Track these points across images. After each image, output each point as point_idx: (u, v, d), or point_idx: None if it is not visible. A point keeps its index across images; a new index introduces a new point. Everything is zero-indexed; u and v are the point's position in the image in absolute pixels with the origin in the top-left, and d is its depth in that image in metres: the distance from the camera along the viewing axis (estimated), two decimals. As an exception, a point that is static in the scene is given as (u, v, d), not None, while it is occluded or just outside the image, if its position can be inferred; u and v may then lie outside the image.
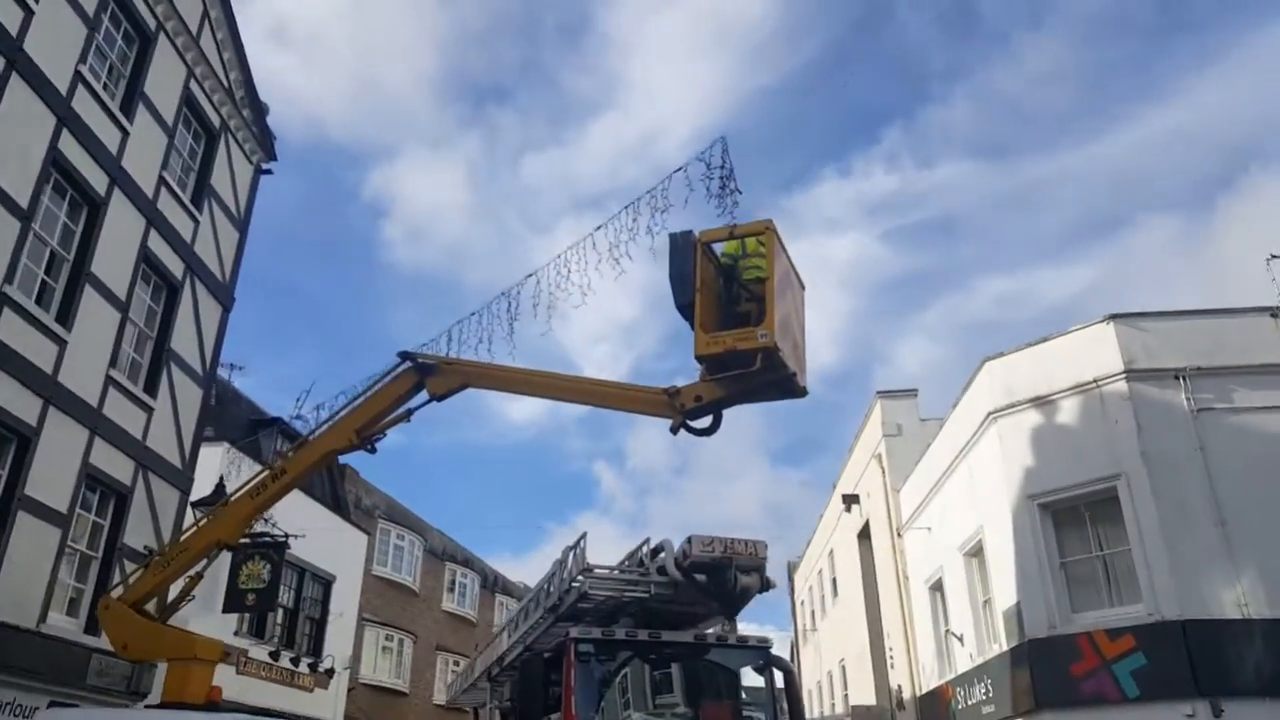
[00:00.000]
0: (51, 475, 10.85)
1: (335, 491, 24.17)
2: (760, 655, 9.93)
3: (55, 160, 10.99)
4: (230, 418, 19.94)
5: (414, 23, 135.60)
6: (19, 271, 10.54)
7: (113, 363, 12.11)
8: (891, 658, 21.29)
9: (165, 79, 13.40)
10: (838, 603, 28.85)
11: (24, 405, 10.44)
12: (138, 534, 12.45)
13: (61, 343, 11.08)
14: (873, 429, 23.70)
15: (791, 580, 40.50)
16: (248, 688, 17.92)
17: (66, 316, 11.21)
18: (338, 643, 22.01)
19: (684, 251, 8.78)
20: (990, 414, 15.02)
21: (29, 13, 10.43)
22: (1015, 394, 14.76)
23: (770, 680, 9.81)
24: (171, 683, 9.61)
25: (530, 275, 10.31)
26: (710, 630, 10.48)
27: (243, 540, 17.68)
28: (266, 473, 10.60)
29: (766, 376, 8.67)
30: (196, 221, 14.26)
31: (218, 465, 17.61)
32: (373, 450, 10.76)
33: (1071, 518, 13.64)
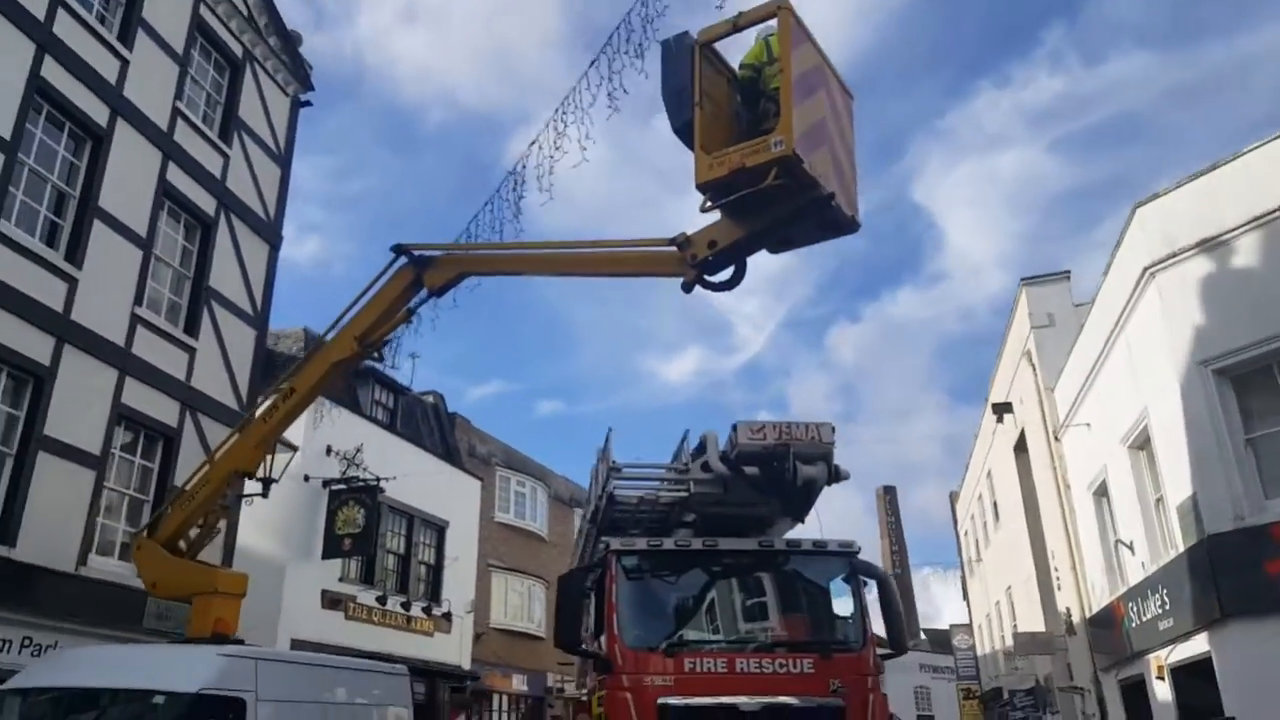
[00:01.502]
0: (76, 416, 10.52)
1: (445, 440, 23.89)
2: (843, 563, 8.21)
3: (41, 90, 10.50)
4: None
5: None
6: (15, 207, 10.15)
7: (139, 301, 11.69)
8: (1057, 578, 18.64)
9: (170, 5, 12.75)
10: (1000, 527, 26.39)
11: (33, 344, 10.08)
12: (193, 477, 12.06)
13: (71, 280, 10.67)
14: (1020, 324, 20.74)
15: (955, 511, 37.89)
16: (358, 632, 17.82)
17: (75, 254, 10.78)
18: (459, 588, 21.79)
19: (679, 60, 7.01)
20: (1147, 270, 12.16)
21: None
22: (1176, 241, 11.83)
23: (858, 592, 8.19)
24: (195, 618, 9.05)
25: (533, 143, 9.06)
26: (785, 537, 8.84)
27: (337, 486, 17.77)
28: (276, 395, 9.80)
29: (792, 202, 6.82)
30: (225, 156, 13.68)
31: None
32: (379, 358, 9.87)
33: (1257, 383, 10.78)
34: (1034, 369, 19.23)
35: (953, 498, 38.84)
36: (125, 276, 11.51)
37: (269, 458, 12.29)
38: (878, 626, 8.51)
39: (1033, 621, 21.45)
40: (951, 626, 42.18)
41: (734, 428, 8.14)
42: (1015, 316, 21.06)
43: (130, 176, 11.70)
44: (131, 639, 10.64)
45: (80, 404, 10.58)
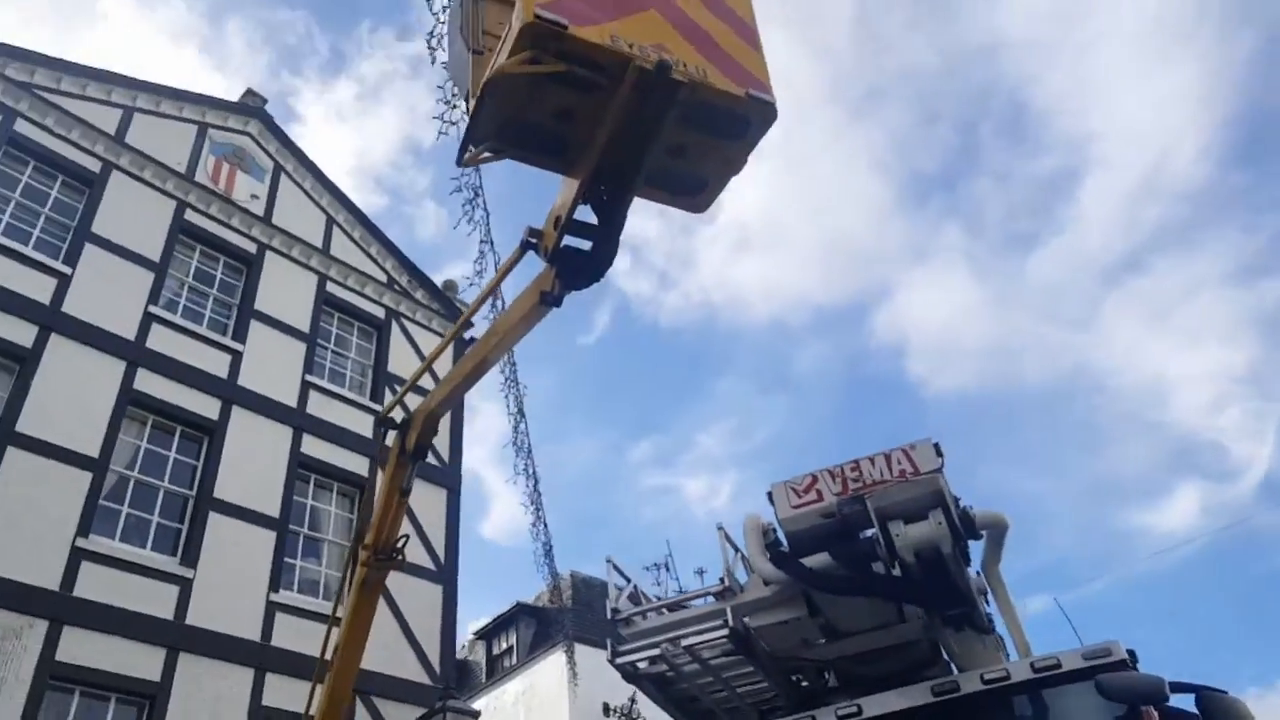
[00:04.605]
0: None
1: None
2: (1091, 691, 4.07)
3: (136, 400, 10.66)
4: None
5: (848, 163, 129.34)
6: (120, 521, 9.90)
7: (274, 587, 10.64)
8: None
9: (292, 293, 13.11)
10: None
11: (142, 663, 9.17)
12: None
13: (185, 582, 9.91)
14: None
15: None
16: None
17: (190, 553, 10.15)
18: None
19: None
20: None
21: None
22: None
23: None
24: None
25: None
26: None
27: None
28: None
29: (612, 103, 3.63)
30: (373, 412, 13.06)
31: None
32: (402, 561, 7.49)
33: None
34: None
35: None
36: (256, 566, 10.62)
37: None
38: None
39: None
40: None
41: (769, 496, 4.86)
42: None
43: (253, 459, 11.28)
44: None
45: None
